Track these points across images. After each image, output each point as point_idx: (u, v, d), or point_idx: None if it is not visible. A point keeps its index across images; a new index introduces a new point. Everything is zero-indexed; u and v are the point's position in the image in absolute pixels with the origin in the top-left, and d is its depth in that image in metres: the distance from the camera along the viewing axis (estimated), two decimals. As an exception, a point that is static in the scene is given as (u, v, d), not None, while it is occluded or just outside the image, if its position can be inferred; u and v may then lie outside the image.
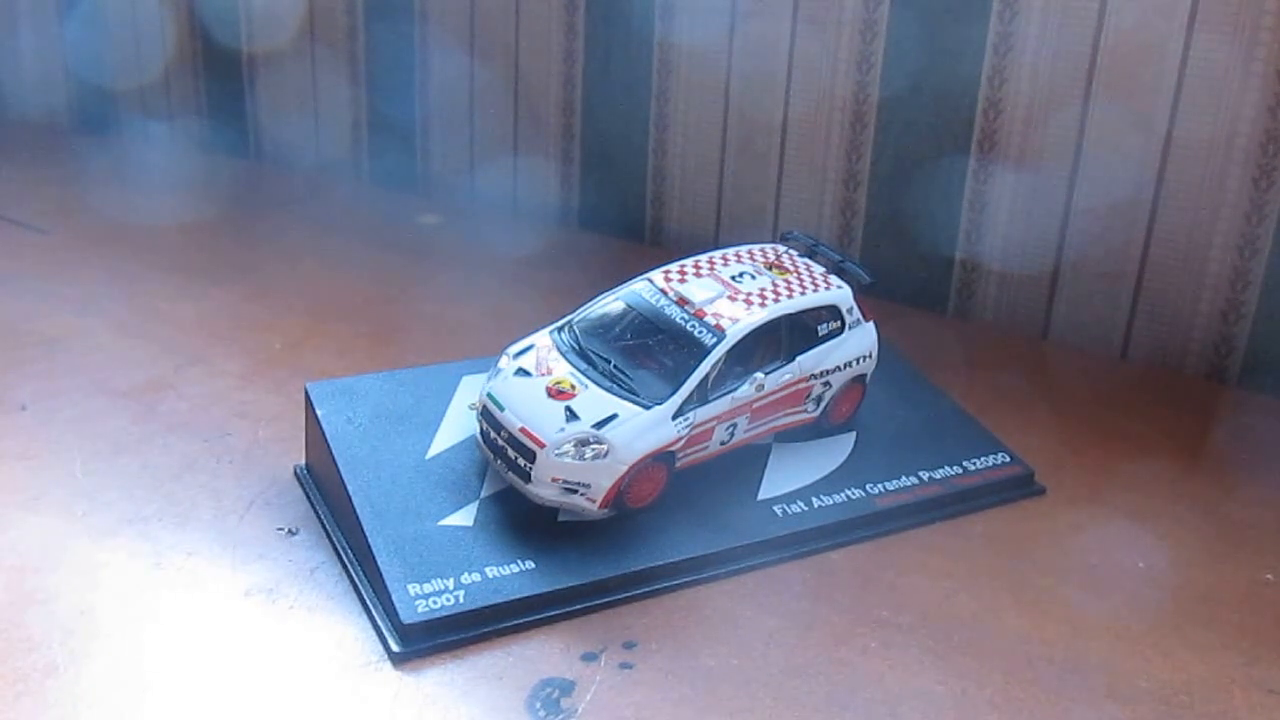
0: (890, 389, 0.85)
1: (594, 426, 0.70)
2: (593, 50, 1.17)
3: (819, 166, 1.09)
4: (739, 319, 0.74)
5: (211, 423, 0.85)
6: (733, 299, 0.76)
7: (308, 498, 0.77)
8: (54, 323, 0.98)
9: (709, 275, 0.78)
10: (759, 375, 0.74)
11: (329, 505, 0.75)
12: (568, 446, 0.69)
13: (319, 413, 0.75)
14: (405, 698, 0.62)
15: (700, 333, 0.73)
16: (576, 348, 0.75)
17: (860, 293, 0.81)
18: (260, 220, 1.23)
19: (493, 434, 0.73)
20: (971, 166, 1.03)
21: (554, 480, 0.70)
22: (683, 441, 0.72)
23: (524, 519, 0.71)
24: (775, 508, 0.75)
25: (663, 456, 0.71)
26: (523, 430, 0.70)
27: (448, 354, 0.90)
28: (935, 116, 1.03)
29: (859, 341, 0.80)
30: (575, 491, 0.70)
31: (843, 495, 0.77)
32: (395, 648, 0.64)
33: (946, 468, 0.81)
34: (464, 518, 0.71)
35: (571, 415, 0.70)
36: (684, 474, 0.74)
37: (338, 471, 0.72)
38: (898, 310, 1.03)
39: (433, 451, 0.75)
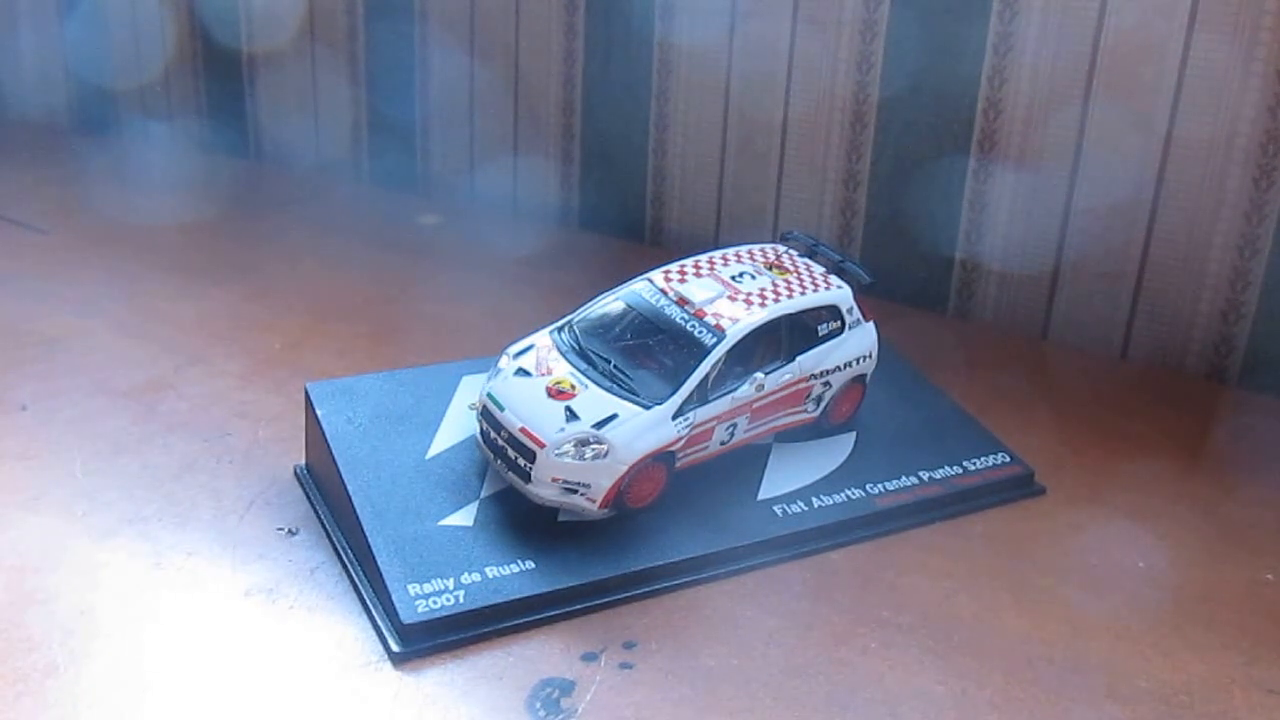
0: (890, 389, 0.85)
1: (594, 426, 0.70)
2: (593, 50, 1.17)
3: (819, 166, 1.09)
4: (739, 319, 0.74)
5: (211, 423, 0.85)
6: (733, 299, 0.76)
7: (308, 498, 0.77)
8: (54, 323, 0.98)
9: (709, 275, 0.78)
10: (759, 375, 0.74)
11: (329, 505, 0.75)
12: (568, 446, 0.69)
13: (319, 413, 0.75)
14: (405, 698, 0.62)
15: (700, 333, 0.73)
16: (576, 348, 0.75)
17: (860, 293, 0.81)
18: (260, 220, 1.23)
19: (493, 434, 0.73)
20: (971, 166, 1.03)
21: (554, 480, 0.70)
22: (683, 441, 0.72)
23: (524, 519, 0.71)
24: (775, 508, 0.75)
25: (663, 456, 0.71)
26: (523, 430, 0.70)
27: (448, 354, 0.90)
28: (935, 116, 1.03)
29: (859, 341, 0.80)
30: (575, 491, 0.70)
31: (843, 495, 0.77)
32: (395, 648, 0.64)
33: (946, 468, 0.81)
34: (464, 518, 0.71)
35: (571, 415, 0.70)
36: (684, 474, 0.74)
37: (338, 471, 0.72)
38: (898, 310, 1.03)
39: (433, 451, 0.75)
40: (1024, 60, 0.98)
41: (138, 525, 0.74)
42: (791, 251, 0.82)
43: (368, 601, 0.67)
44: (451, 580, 0.67)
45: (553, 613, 0.67)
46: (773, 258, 0.81)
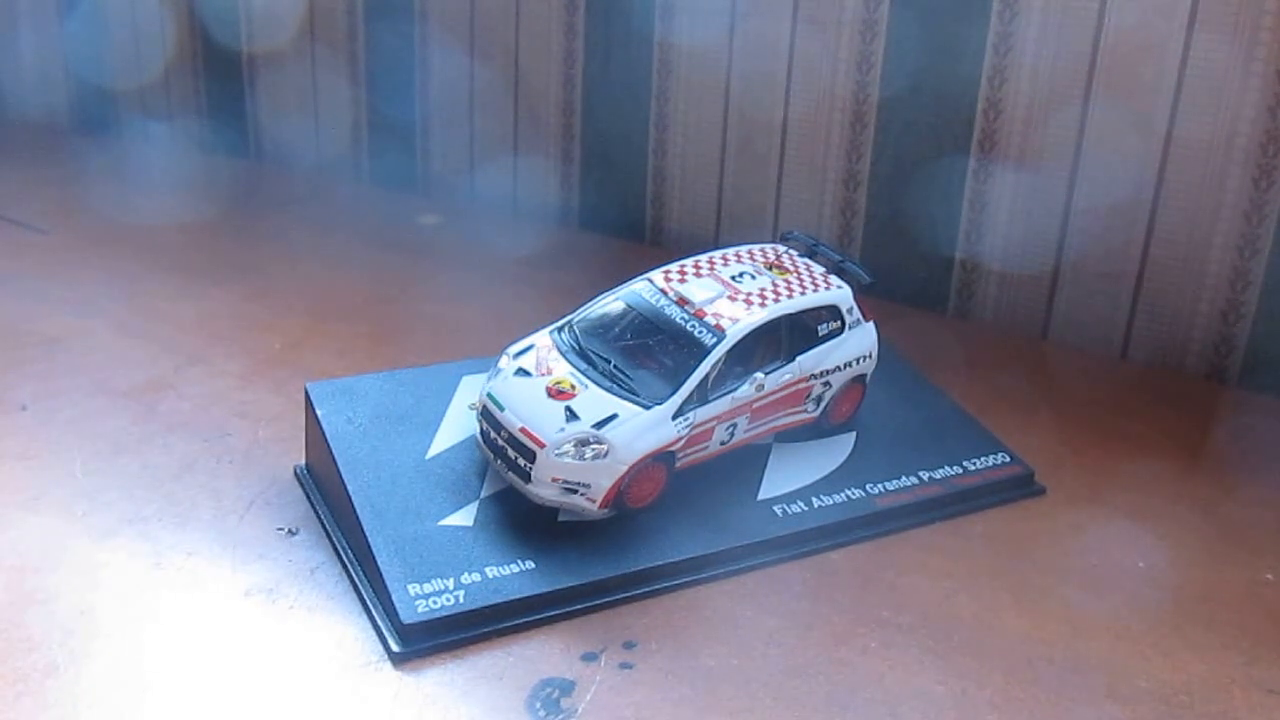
0: (890, 389, 0.85)
1: (594, 426, 0.70)
2: (593, 50, 1.17)
3: (819, 167, 1.09)
4: (739, 319, 0.74)
5: (211, 423, 0.85)
6: (733, 299, 0.76)
7: (308, 498, 0.77)
8: (54, 323, 0.98)
9: (709, 275, 0.78)
10: (759, 375, 0.74)
11: (329, 505, 0.75)
12: (568, 446, 0.69)
13: (319, 413, 0.75)
14: (405, 698, 0.62)
15: (700, 333, 0.73)
16: (576, 348, 0.75)
17: (860, 293, 0.81)
18: (260, 220, 1.23)
19: (493, 434, 0.73)
20: (971, 166, 1.03)
21: (554, 480, 0.70)
22: (683, 441, 0.72)
23: (524, 519, 0.71)
24: (775, 508, 0.75)
25: (663, 456, 0.71)
26: (523, 430, 0.70)
27: (448, 354, 0.90)
28: (935, 116, 1.03)
29: (859, 341, 0.80)
30: (575, 491, 0.70)
31: (843, 495, 0.77)
32: (395, 648, 0.64)
33: (946, 468, 0.81)
34: (464, 518, 0.71)
35: (571, 415, 0.70)
36: (684, 474, 0.74)
37: (338, 471, 0.72)
38: (898, 310, 1.03)
39: (433, 451, 0.75)
40: (1024, 60, 0.98)
41: (138, 525, 0.74)
42: (791, 251, 0.82)
43: (368, 601, 0.67)
44: (451, 580, 0.67)
45: (553, 613, 0.67)
46: (773, 258, 0.81)
